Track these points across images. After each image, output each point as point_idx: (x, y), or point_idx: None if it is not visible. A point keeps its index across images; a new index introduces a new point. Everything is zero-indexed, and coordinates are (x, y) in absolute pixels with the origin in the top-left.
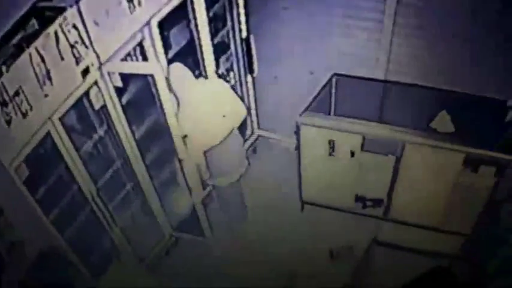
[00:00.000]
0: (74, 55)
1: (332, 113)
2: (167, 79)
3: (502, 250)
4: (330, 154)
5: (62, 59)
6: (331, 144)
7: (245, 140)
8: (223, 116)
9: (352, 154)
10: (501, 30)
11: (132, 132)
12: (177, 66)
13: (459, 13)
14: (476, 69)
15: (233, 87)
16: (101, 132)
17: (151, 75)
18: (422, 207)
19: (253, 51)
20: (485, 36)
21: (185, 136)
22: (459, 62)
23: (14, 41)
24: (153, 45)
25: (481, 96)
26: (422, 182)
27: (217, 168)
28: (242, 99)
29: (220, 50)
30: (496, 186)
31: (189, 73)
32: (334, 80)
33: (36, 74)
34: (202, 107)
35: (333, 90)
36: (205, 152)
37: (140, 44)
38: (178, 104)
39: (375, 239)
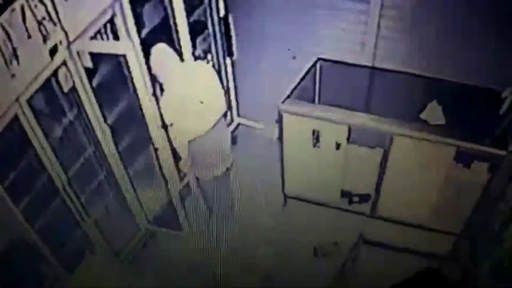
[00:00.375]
0: (41, 32)
1: (316, 101)
2: (148, 62)
3: (495, 251)
4: (314, 145)
5: (29, 36)
6: (316, 135)
7: None
8: (201, 103)
9: (338, 146)
10: (495, 15)
11: (104, 117)
12: (161, 48)
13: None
14: (469, 57)
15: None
16: (70, 116)
17: (123, 56)
18: (412, 204)
19: (232, 32)
20: (478, 22)
21: (171, 125)
22: (451, 49)
23: None
24: (125, 23)
25: (473, 86)
26: (411, 177)
27: (200, 161)
28: (223, 87)
29: (196, 29)
30: (490, 183)
31: (174, 55)
32: (318, 65)
33: (1, 53)
34: (186, 93)
35: (317, 77)
36: (189, 142)
37: (111, 21)
38: (161, 90)
39: (362, 237)
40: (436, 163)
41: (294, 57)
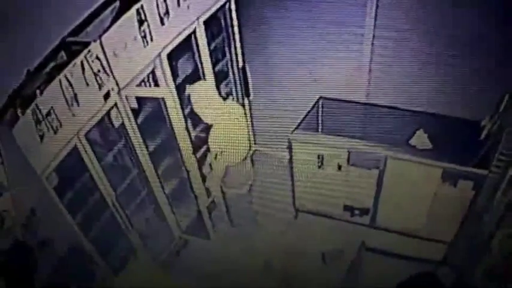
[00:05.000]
0: (97, 81)
1: (320, 130)
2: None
3: (485, 259)
4: (319, 167)
5: (87, 84)
6: (320, 158)
7: None
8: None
9: (339, 167)
10: (469, 62)
11: (146, 146)
12: (202, 85)
13: (433, 44)
14: (451, 94)
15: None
16: (119, 146)
17: (162, 99)
18: (406, 217)
19: (249, 78)
20: (455, 66)
21: (217, 154)
22: (435, 87)
23: (47, 69)
24: (164, 73)
25: (456, 117)
26: (404, 193)
27: (230, 182)
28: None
29: (220, 77)
30: (475, 198)
31: (216, 94)
32: (320, 102)
33: (65, 97)
34: (226, 127)
35: (320, 111)
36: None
37: (152, 72)
38: (193, 125)
39: (364, 245)
40: (425, 182)
41: (301, 95)
